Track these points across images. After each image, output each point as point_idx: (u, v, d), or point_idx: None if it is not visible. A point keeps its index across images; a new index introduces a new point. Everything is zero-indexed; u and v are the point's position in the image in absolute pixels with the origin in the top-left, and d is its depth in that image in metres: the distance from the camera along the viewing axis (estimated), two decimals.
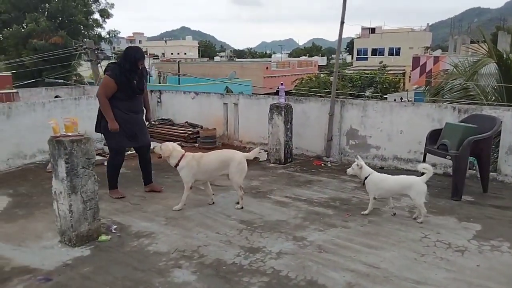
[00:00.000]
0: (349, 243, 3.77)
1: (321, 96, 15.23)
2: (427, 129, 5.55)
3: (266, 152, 7.03)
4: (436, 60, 28.12)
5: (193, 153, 4.71)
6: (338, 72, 7.73)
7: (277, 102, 6.73)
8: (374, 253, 3.56)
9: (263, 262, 3.45)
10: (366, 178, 4.37)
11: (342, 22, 6.59)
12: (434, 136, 5.28)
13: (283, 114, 6.51)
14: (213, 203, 4.80)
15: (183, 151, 4.68)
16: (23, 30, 24.71)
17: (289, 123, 6.61)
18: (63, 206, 3.73)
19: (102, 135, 5.14)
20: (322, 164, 6.50)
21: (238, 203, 4.68)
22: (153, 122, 8.01)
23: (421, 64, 28.26)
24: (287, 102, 6.76)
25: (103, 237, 3.92)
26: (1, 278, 3.28)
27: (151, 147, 5.25)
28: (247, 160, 4.66)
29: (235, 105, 7.97)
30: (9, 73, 20.72)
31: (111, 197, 5.00)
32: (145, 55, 4.91)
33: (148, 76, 5.14)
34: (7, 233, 4.09)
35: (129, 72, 4.78)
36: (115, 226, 4.17)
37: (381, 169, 6.17)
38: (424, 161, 5.39)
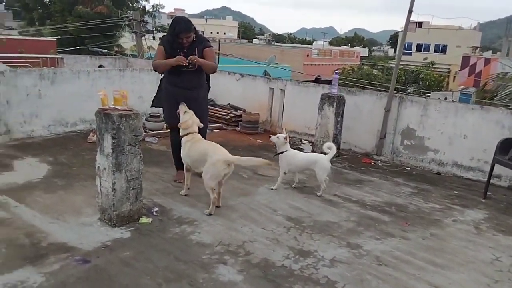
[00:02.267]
0: (411, 257, 3.39)
1: (363, 88, 14.64)
2: (495, 136, 5.04)
3: (311, 144, 6.68)
4: (487, 61, 26.73)
5: (200, 138, 4.24)
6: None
7: (329, 92, 6.31)
8: (440, 273, 3.18)
9: (315, 269, 3.13)
10: (282, 152, 4.64)
11: (410, 11, 6.05)
12: (506, 146, 4.76)
13: (334, 106, 6.09)
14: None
15: (191, 131, 4.22)
16: None
17: (340, 116, 6.18)
18: (106, 183, 3.52)
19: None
20: (372, 163, 6.07)
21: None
22: None
23: (470, 64, 26.97)
24: (340, 93, 6.33)
25: (144, 220, 3.70)
26: (37, 253, 3.11)
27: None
28: None
29: (281, 91, 7.60)
30: (54, 38, 20.89)
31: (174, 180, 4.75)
32: (190, 28, 4.41)
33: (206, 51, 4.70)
34: (45, 204, 3.93)
35: (171, 42, 4.48)
36: (156, 209, 3.95)
37: (438, 175, 5.71)
38: (491, 172, 4.90)
